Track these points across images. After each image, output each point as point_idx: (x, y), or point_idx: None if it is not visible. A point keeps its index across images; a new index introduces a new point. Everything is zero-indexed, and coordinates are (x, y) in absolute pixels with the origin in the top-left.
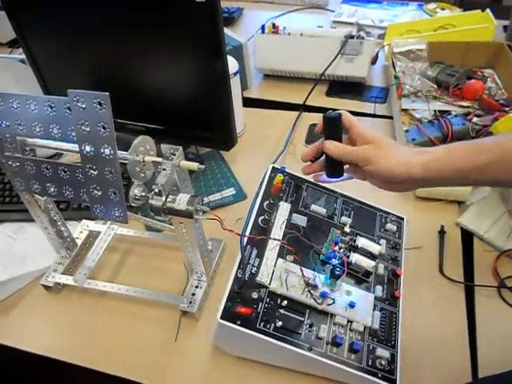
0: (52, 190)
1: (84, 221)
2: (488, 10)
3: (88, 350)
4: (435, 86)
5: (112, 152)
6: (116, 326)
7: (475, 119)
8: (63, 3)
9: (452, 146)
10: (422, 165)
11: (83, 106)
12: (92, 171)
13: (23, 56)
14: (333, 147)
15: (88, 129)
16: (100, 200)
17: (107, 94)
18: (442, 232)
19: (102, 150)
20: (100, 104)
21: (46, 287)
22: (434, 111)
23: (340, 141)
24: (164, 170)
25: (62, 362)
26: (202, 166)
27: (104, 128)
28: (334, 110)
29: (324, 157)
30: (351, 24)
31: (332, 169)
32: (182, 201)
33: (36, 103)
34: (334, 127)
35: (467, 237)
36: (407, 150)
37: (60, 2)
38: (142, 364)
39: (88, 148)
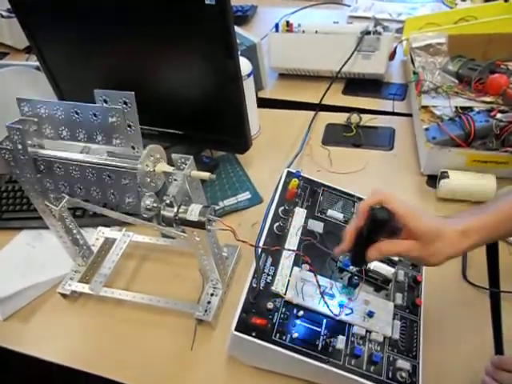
0: (79, 191)
1: (100, 228)
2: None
3: (103, 359)
4: (456, 81)
5: (138, 149)
6: (131, 335)
7: (499, 115)
8: (75, 9)
9: (489, 218)
10: (470, 247)
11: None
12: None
13: (38, 63)
14: (377, 254)
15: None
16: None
17: (132, 93)
18: None
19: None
20: (125, 103)
21: (63, 295)
22: (456, 108)
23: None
24: (175, 180)
25: (76, 370)
26: (214, 176)
27: (129, 126)
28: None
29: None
30: (368, 18)
31: (359, 259)
32: (193, 212)
33: (62, 109)
34: (380, 229)
35: None
36: (453, 234)
37: (71, 8)
38: (157, 373)
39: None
